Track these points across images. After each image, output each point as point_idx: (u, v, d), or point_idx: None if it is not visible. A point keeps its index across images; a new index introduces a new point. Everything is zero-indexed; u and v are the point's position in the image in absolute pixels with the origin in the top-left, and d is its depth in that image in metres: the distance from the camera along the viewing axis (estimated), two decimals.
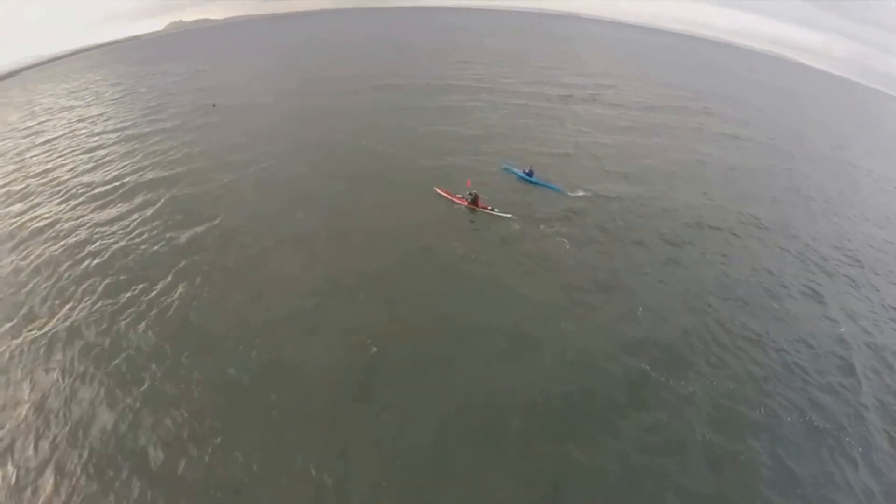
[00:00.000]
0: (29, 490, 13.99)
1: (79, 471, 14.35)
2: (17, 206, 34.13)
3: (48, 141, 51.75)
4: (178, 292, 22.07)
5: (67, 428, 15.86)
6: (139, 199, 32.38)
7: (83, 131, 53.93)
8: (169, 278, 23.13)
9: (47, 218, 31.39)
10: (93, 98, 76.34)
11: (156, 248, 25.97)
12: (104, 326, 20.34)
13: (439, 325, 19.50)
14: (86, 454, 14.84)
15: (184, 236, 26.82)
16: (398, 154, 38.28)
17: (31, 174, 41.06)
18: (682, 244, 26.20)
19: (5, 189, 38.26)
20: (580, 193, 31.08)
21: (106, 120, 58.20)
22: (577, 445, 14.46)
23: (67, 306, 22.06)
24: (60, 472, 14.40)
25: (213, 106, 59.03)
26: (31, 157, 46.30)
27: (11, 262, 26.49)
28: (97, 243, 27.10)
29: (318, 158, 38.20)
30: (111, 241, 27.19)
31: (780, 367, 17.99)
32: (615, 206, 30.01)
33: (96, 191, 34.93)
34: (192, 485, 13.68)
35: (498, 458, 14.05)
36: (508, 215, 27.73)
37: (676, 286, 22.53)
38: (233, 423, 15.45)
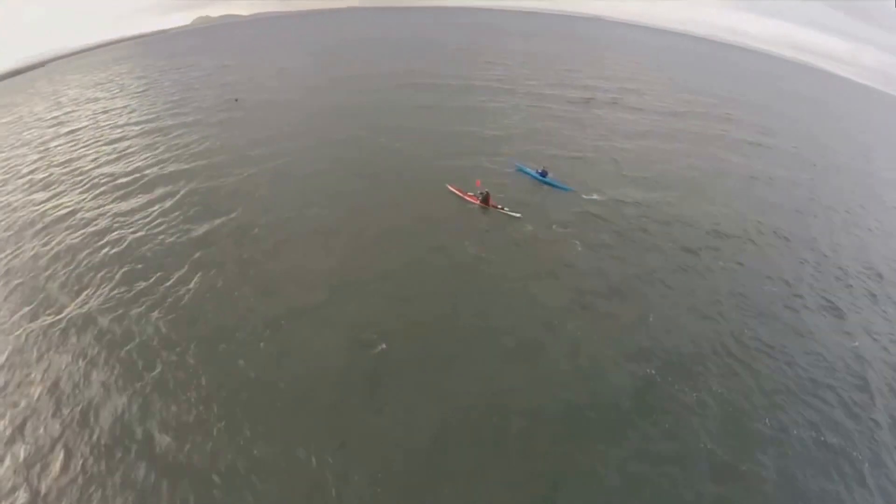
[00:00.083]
0: (38, 467, 14.46)
1: (87, 451, 14.78)
2: (41, 195, 34.96)
3: (72, 131, 53.00)
4: (192, 283, 22.43)
5: (78, 410, 16.31)
6: (159, 191, 32.92)
7: (107, 123, 55.06)
8: (185, 269, 23.52)
9: (69, 206, 32.10)
10: (118, 90, 77.78)
11: (173, 238, 26.42)
12: (119, 313, 20.78)
13: (447, 325, 19.53)
14: (94, 436, 15.27)
15: (201, 228, 27.24)
16: (416, 153, 38.40)
17: (54, 163, 42.10)
18: (698, 251, 25.83)
19: (29, 177, 39.25)
20: (595, 197, 30.86)
21: (130, 112, 59.27)
22: (579, 450, 14.39)
23: (85, 293, 22.57)
24: (69, 451, 14.85)
25: (236, 101, 59.78)
26: (56, 147, 47.50)
27: (33, 247, 27.17)
28: (116, 233, 27.63)
29: (336, 155, 38.43)
30: (130, 230, 27.70)
31: (791, 381, 17.65)
32: (631, 210, 29.73)
33: (117, 181, 35.62)
34: (195, 469, 13.99)
35: (498, 459, 14.04)
36: (518, 214, 27.78)
37: (690, 294, 22.25)
38: (238, 412, 15.70)
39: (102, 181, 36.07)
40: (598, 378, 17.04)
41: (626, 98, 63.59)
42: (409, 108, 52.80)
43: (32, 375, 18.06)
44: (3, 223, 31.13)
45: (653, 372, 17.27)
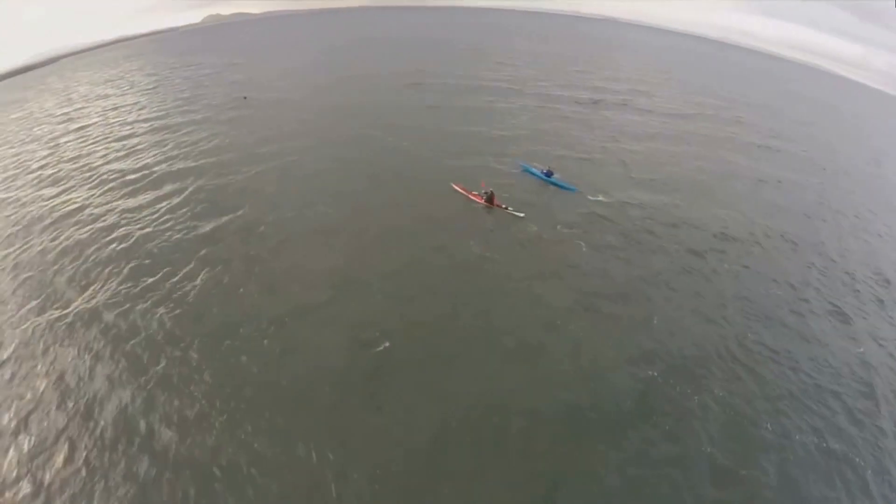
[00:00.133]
0: (42, 458, 14.69)
1: (90, 443, 14.99)
2: (50, 190, 35.28)
3: (82, 128, 53.38)
4: (198, 279, 22.60)
5: (83, 402, 16.53)
6: (167, 188, 33.15)
7: (116, 119, 55.43)
8: (191, 265, 23.71)
9: (77, 202, 32.38)
10: (128, 87, 78.27)
11: (180, 235, 26.60)
12: (125, 308, 20.98)
13: (449, 324, 19.57)
14: (98, 428, 15.47)
15: (208, 225, 27.42)
16: (423, 152, 38.47)
17: (64, 159, 42.45)
18: (704, 254, 25.71)
19: (39, 173, 39.61)
20: (601, 198, 30.80)
21: (139, 109, 59.65)
22: (579, 451, 14.41)
23: (92, 288, 22.79)
24: (73, 443, 15.07)
25: (244, 99, 60.04)
26: (65, 143, 47.86)
27: (41, 242, 27.42)
28: (124, 229, 27.85)
29: (343, 154, 38.59)
30: (137, 227, 27.91)
31: (795, 386, 17.54)
32: (637, 212, 29.63)
33: (126, 178, 35.88)
34: (196, 463, 14.18)
35: (499, 459, 14.07)
36: (521, 214, 27.89)
37: (694, 297, 22.15)
38: (240, 408, 15.84)
39: (111, 177, 36.33)
40: (600, 379, 17.01)
41: (635, 100, 63.35)
42: (416, 108, 52.89)
43: (38, 368, 18.29)
44: (12, 218, 31.45)
45: (655, 374, 17.22)
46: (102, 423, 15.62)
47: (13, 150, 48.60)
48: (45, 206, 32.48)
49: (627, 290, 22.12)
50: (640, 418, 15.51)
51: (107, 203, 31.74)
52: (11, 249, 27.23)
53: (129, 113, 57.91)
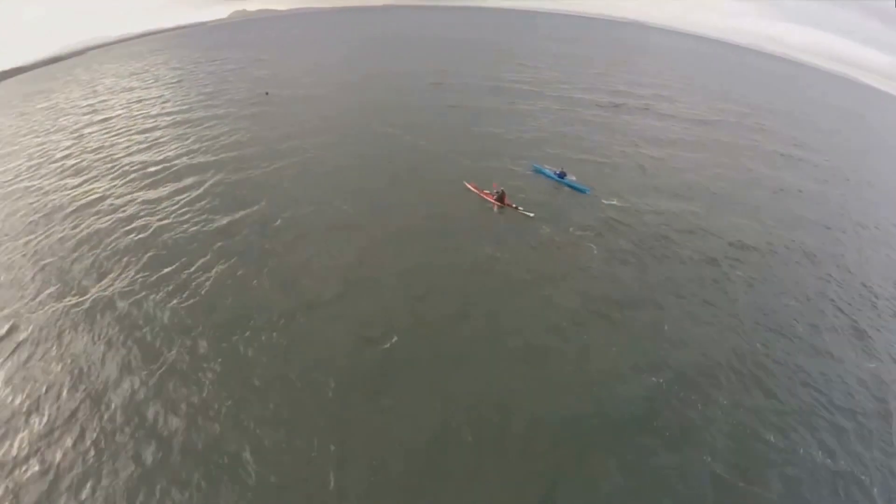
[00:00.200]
0: (52, 438, 15.17)
1: (99, 427, 15.41)
2: (72, 180, 36.12)
3: (106, 119, 54.56)
4: (213, 271, 22.98)
5: (93, 387, 17.00)
6: (187, 181, 33.70)
7: (140, 112, 56.51)
8: (207, 257, 24.13)
9: (98, 192, 33.12)
10: (152, 80, 79.62)
11: (197, 227, 27.05)
12: (139, 297, 21.44)
13: (459, 325, 19.59)
14: (108, 413, 15.89)
15: (225, 219, 27.83)
16: (441, 152, 38.56)
17: (87, 150, 43.44)
18: (719, 263, 25.32)
19: (62, 162, 40.57)
20: (615, 202, 30.57)
21: (163, 102, 60.73)
22: (580, 455, 14.37)
23: (109, 276, 23.31)
24: (82, 426, 15.52)
25: (267, 94, 60.72)
26: (89, 134, 48.98)
27: (62, 230, 28.08)
28: (143, 219, 28.41)
29: (361, 151, 38.90)
30: (156, 218, 28.45)
31: (806, 403, 17.16)
32: (652, 217, 29.32)
33: (147, 170, 36.58)
34: (201, 450, 14.49)
35: (499, 460, 14.08)
36: (531, 214, 27.95)
37: (707, 307, 21.83)
38: (246, 398, 16.13)
39: (132, 169, 37.06)
40: (605, 385, 16.90)
41: (657, 104, 62.63)
42: (437, 107, 53.02)
43: (54, 352, 18.83)
44: (35, 206, 32.27)
45: (661, 382, 17.05)
46: (112, 407, 16.03)
47: (38, 139, 49.82)
48: (67, 195, 33.24)
49: (638, 295, 21.92)
50: (644, 426, 15.38)
51: (127, 194, 32.39)
52: (33, 236, 27.92)
53: (153, 106, 58.98)
